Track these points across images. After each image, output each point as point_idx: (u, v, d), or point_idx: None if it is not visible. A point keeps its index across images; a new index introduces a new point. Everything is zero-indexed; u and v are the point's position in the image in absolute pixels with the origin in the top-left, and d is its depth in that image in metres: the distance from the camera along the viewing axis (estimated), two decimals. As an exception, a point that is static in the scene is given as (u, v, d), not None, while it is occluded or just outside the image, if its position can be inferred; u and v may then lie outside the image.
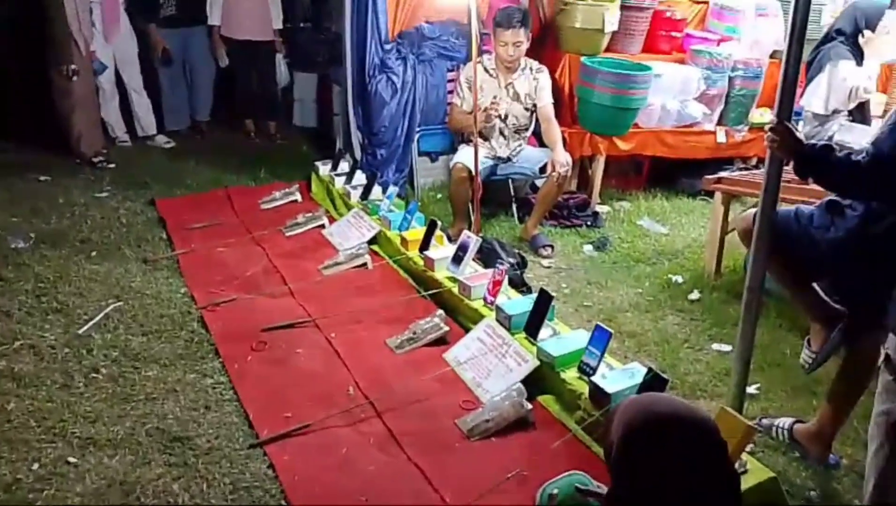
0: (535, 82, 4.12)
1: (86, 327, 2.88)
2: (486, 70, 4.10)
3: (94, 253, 3.59)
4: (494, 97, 4.09)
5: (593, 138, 4.59)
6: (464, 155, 4.01)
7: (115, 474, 2.10)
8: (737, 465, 1.84)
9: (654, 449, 1.22)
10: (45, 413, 2.36)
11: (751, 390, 2.57)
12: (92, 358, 2.69)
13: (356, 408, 2.44)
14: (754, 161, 5.04)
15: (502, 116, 4.13)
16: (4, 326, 2.86)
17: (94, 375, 2.59)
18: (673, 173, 5.08)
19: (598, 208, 4.61)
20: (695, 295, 3.47)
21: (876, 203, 2.01)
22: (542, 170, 4.13)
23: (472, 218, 3.99)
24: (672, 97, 4.72)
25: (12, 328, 2.84)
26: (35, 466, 2.12)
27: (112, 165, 4.92)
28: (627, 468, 1.25)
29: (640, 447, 1.23)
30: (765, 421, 2.44)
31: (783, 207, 2.30)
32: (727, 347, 2.93)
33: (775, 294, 3.05)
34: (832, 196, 2.20)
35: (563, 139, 4.13)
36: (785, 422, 2.41)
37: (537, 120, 4.21)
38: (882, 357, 1.53)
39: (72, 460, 2.15)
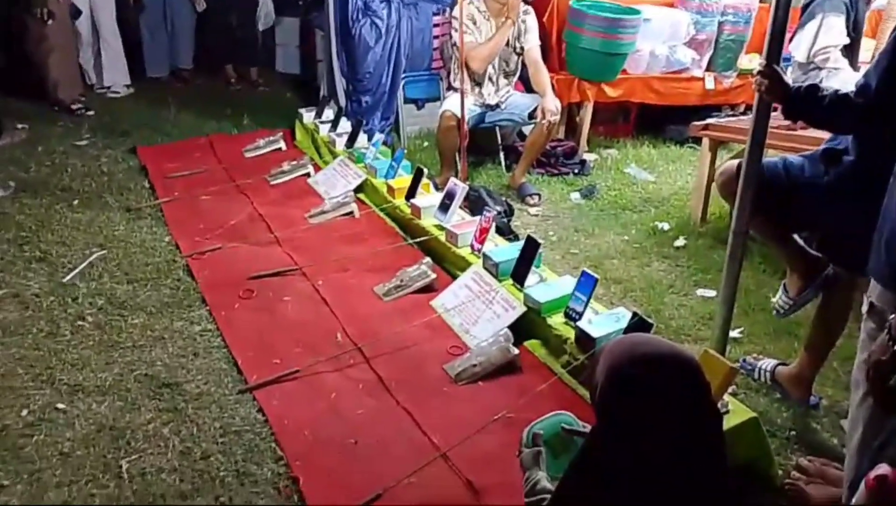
0: (523, 24, 4.03)
1: (70, 276, 2.86)
2: (478, 11, 4.00)
3: (75, 201, 3.54)
4: (489, 39, 4.01)
5: (581, 84, 4.53)
6: (452, 102, 3.95)
7: (104, 420, 2.11)
8: (719, 405, 1.87)
9: (637, 388, 1.23)
10: (32, 361, 2.36)
11: (734, 333, 2.60)
12: (77, 306, 2.67)
13: (344, 354, 2.46)
14: (742, 108, 5.02)
15: (493, 65, 4.06)
16: (-13, 275, 2.83)
17: (81, 323, 2.58)
18: (661, 121, 5.05)
19: (586, 156, 4.58)
20: (680, 242, 3.49)
21: (867, 146, 1.99)
22: (531, 116, 4.08)
23: (460, 166, 3.96)
24: (661, 42, 4.66)
25: (-5, 277, 2.82)
26: (24, 412, 2.12)
27: (91, 113, 4.82)
28: (611, 407, 1.27)
29: (624, 386, 1.24)
30: (747, 363, 2.49)
31: (769, 158, 2.29)
32: (712, 293, 2.96)
33: (760, 239, 3.07)
34: (827, 145, 2.18)
35: (552, 85, 4.07)
36: (767, 364, 2.45)
37: (524, 64, 4.14)
38: (865, 305, 1.54)
39: (60, 406, 2.16)
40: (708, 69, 4.89)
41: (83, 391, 2.23)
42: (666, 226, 3.68)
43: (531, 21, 4.06)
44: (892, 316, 1.27)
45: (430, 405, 2.22)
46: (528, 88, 4.24)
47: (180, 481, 1.92)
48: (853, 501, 1.14)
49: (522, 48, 4.07)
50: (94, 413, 2.14)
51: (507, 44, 4.04)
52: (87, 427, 2.09)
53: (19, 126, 4.43)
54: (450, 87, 4.21)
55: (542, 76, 4.02)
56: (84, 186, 3.73)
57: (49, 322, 2.57)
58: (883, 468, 1.13)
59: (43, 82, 4.79)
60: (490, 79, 4.13)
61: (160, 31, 5.60)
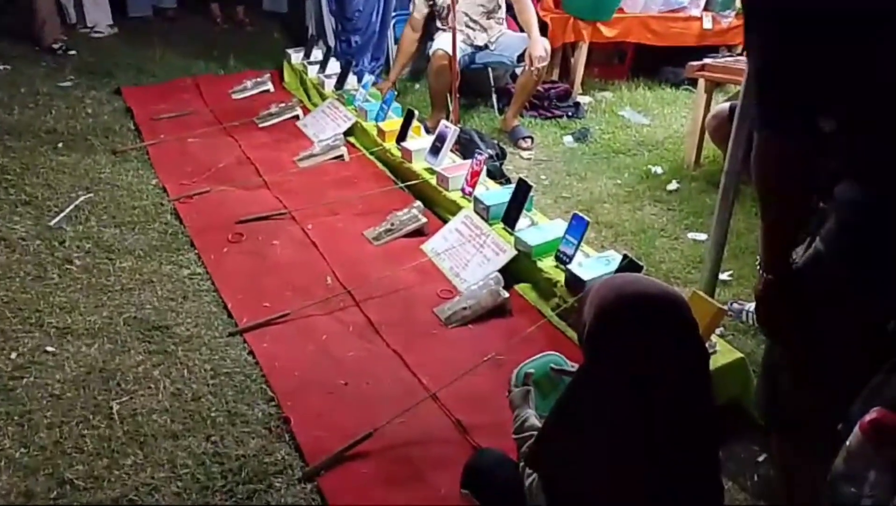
0: None
1: (57, 219, 2.82)
2: None
3: (60, 144, 3.48)
4: None
5: (576, 24, 4.43)
6: (443, 41, 3.85)
7: (94, 362, 2.11)
8: (706, 346, 1.88)
9: (625, 325, 1.23)
10: (20, 304, 2.34)
11: (723, 276, 2.60)
12: (65, 250, 2.65)
13: (334, 298, 2.45)
14: (740, 49, 4.91)
15: (466, 13, 3.92)
16: (-28, 219, 2.79)
17: (68, 266, 2.56)
18: (657, 62, 4.96)
19: (580, 99, 4.51)
20: (673, 186, 3.47)
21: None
22: (521, 58, 3.98)
23: (451, 108, 3.89)
24: (659, -20, 4.54)
25: (-20, 221, 2.78)
26: (13, 355, 2.12)
27: (73, 53, 4.69)
28: (599, 345, 1.26)
29: (612, 324, 1.24)
30: (735, 305, 2.50)
31: None
32: (702, 236, 2.95)
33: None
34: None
35: (543, 23, 3.95)
36: (754, 306, 2.46)
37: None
38: None
39: (49, 348, 2.16)
40: (706, 9, 4.78)
41: (72, 334, 2.23)
42: (659, 170, 3.64)
43: None
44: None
45: (419, 348, 2.23)
46: (521, 26, 4.13)
47: (171, 422, 1.93)
48: (847, 443, 1.15)
49: None
50: (83, 355, 2.14)
51: None
52: (77, 369, 2.09)
53: (1, 67, 4.32)
54: (438, 28, 4.08)
55: (526, 14, 3.87)
56: (69, 129, 3.66)
57: (36, 266, 2.55)
58: (876, 412, 1.14)
59: (31, 21, 4.64)
60: (470, 23, 3.99)
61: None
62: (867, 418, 1.14)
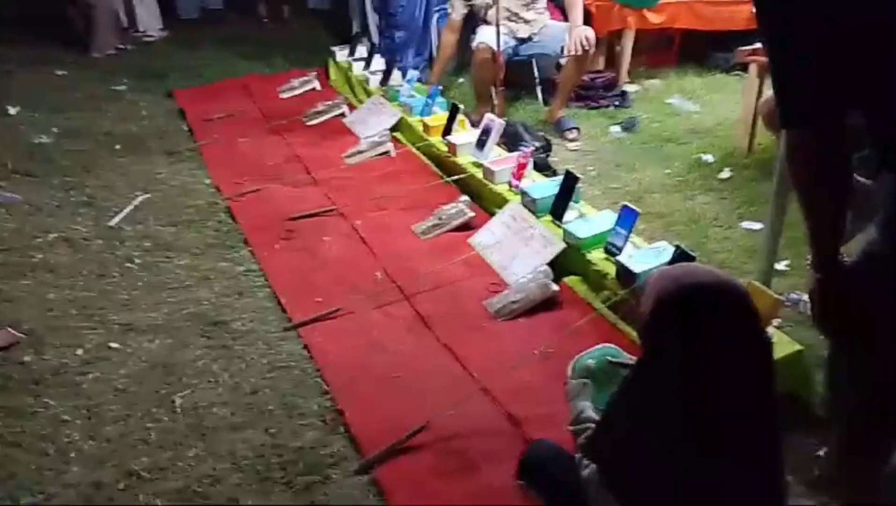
0: None
1: (117, 219, 2.92)
2: None
3: (117, 146, 3.60)
4: None
5: (622, 11, 4.36)
6: (486, 34, 3.83)
7: (155, 357, 2.19)
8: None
9: (685, 316, 1.21)
10: (85, 302, 2.44)
11: (780, 266, 2.54)
12: (125, 249, 2.74)
13: (384, 292, 2.48)
14: (792, 32, 4.77)
15: (508, 8, 3.90)
16: (37, 220, 2.91)
17: (129, 265, 2.65)
18: (706, 48, 4.85)
19: (627, 87, 4.45)
20: (725, 174, 3.39)
21: None
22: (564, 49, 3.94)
23: (496, 101, 3.88)
24: (707, -37, 4.44)
25: (45, 222, 2.89)
26: (79, 351, 2.21)
27: (126, 55, 4.84)
28: (659, 337, 1.26)
29: (672, 315, 1.22)
30: (793, 296, 2.43)
31: None
32: (757, 225, 2.88)
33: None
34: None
35: (588, 12, 3.90)
36: (809, 306, 2.39)
37: None
38: None
39: (113, 345, 2.24)
40: (756, -9, 4.65)
41: (134, 330, 2.31)
42: (710, 158, 3.57)
43: None
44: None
45: (469, 341, 2.24)
46: (566, 16, 4.09)
47: (231, 414, 1.98)
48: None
49: None
50: (145, 351, 2.22)
51: None
52: (140, 364, 2.17)
53: (59, 73, 4.49)
54: (480, 21, 4.06)
55: (571, 3, 3.83)
56: (125, 131, 3.78)
57: (98, 264, 2.65)
58: None
59: (87, 29, 4.81)
60: (512, 16, 3.95)
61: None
62: None
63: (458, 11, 3.92)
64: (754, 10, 1.19)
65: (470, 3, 3.86)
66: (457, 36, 4.01)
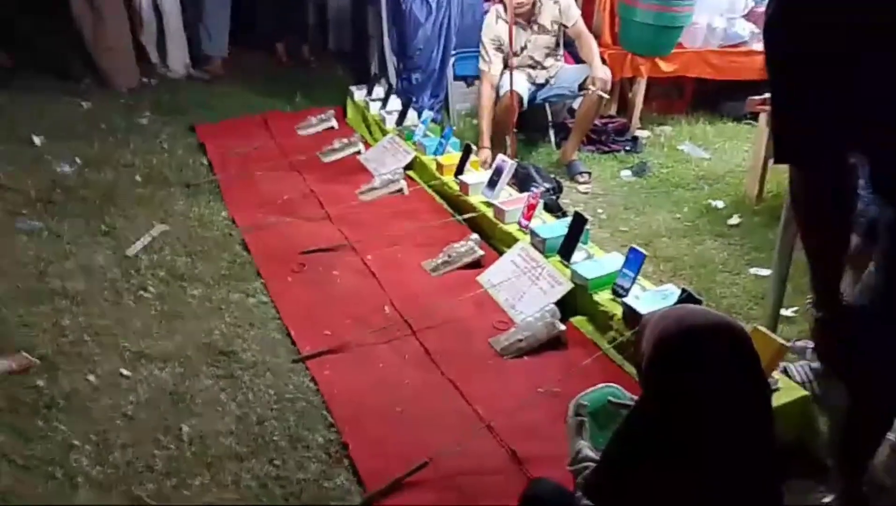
0: (557, 5, 3.92)
1: (134, 249, 2.98)
2: (506, 23, 3.85)
3: (137, 177, 3.68)
4: (524, 46, 3.96)
5: (634, 59, 4.45)
6: (516, 83, 3.87)
7: (165, 386, 2.22)
8: (767, 379, 1.85)
9: (685, 357, 1.23)
10: (98, 329, 2.48)
11: (787, 312, 2.55)
12: (140, 277, 2.79)
13: (392, 327, 2.51)
14: (803, 83, 4.84)
15: (532, 56, 4.01)
16: (56, 247, 2.98)
17: (143, 293, 2.70)
18: (717, 97, 4.91)
19: (638, 133, 4.51)
20: (735, 220, 3.42)
21: None
22: (581, 87, 4.01)
23: (509, 143, 3.95)
24: (718, 15, 4.54)
25: (64, 249, 2.96)
26: (91, 377, 2.24)
27: (150, 89, 4.97)
28: (658, 377, 1.27)
29: (672, 356, 1.24)
30: (799, 343, 2.44)
31: None
32: (765, 271, 2.90)
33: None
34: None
35: (602, 59, 4.00)
36: (813, 344, 2.39)
37: (566, 35, 4.07)
38: None
39: (124, 372, 2.27)
40: (767, 42, 4.73)
41: (146, 358, 2.34)
42: (720, 204, 3.60)
43: None
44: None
45: (475, 378, 2.26)
46: (578, 59, 4.18)
47: (237, 444, 2.00)
48: None
49: (565, 26, 3.99)
50: (155, 379, 2.25)
51: (545, 30, 3.97)
52: (150, 392, 2.19)
53: (83, 104, 4.62)
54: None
55: (588, 46, 3.93)
56: (145, 163, 3.87)
57: (113, 292, 2.70)
58: None
59: (96, 70, 4.96)
60: (534, 63, 4.06)
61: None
62: None
63: (496, 66, 3.95)
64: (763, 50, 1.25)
65: (503, 53, 3.92)
66: (495, 93, 4.00)
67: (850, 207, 1.24)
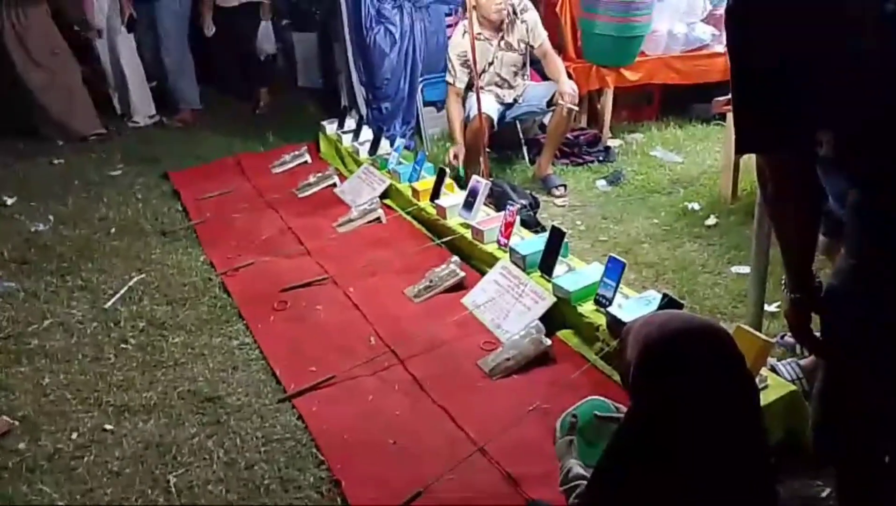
0: (524, 25, 3.98)
1: (111, 301, 2.94)
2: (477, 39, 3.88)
3: (113, 229, 3.65)
4: (491, 62, 4.01)
5: (600, 71, 4.50)
6: (484, 104, 3.91)
7: (150, 437, 2.17)
8: (756, 380, 1.84)
9: (671, 364, 1.22)
10: (79, 385, 2.44)
11: (771, 308, 2.55)
12: (120, 330, 2.76)
13: (378, 357, 2.48)
14: (768, 80, 4.90)
15: (499, 73, 4.05)
16: (33, 306, 2.93)
17: (124, 345, 2.66)
18: (685, 100, 4.97)
19: (610, 143, 4.54)
20: (711, 220, 3.44)
21: None
22: (549, 104, 4.05)
23: (482, 163, 3.96)
24: (678, 20, 4.60)
25: (40, 308, 2.92)
26: (74, 435, 2.20)
27: (120, 140, 4.96)
28: (646, 387, 1.26)
29: (657, 364, 1.23)
30: (787, 338, 2.43)
31: None
32: (746, 269, 2.89)
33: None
34: None
35: (568, 73, 4.04)
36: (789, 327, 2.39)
37: (532, 55, 4.12)
38: None
39: (108, 427, 2.23)
40: (729, 44, 4.79)
41: (129, 411, 2.30)
42: (696, 206, 3.62)
43: (532, 17, 4.01)
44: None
45: (465, 401, 2.23)
46: (544, 76, 4.22)
47: (227, 492, 1.96)
48: None
49: (531, 46, 4.04)
50: (140, 431, 2.21)
51: (512, 48, 4.02)
52: (135, 445, 2.15)
53: (55, 161, 4.60)
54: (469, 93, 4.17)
55: (554, 64, 4.00)
56: (120, 214, 3.85)
57: (94, 347, 2.66)
58: None
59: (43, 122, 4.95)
60: (500, 82, 4.09)
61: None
62: None
63: (460, 80, 4.00)
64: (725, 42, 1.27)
65: (469, 69, 3.95)
66: (461, 103, 4.07)
67: (816, 187, 1.24)
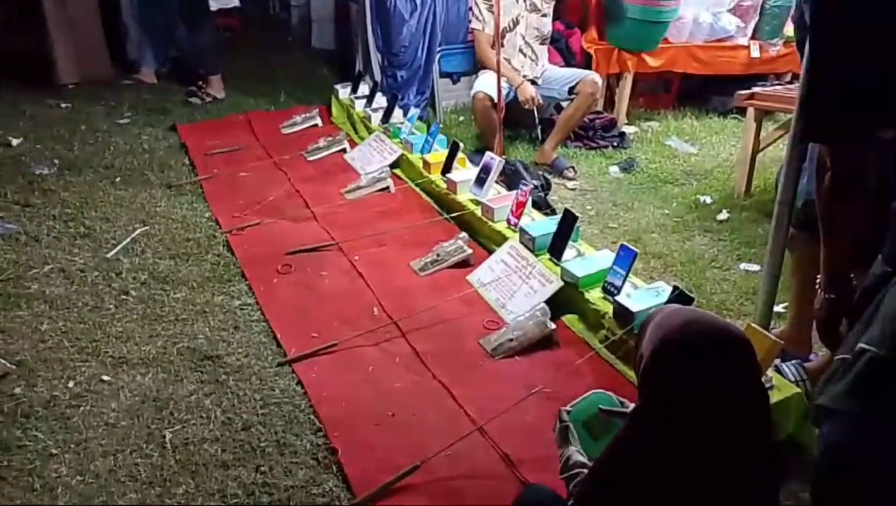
0: None
1: (114, 251, 2.91)
2: None
3: (118, 179, 3.61)
4: (516, 17, 3.93)
5: (621, 55, 4.43)
6: (484, 82, 3.88)
7: (147, 391, 2.16)
8: (762, 380, 1.83)
9: (687, 365, 1.20)
10: (78, 334, 2.41)
11: (779, 308, 2.53)
12: (121, 281, 2.73)
13: (381, 328, 2.47)
14: (789, 77, 4.85)
15: (524, 36, 3.99)
16: (34, 250, 2.90)
17: (124, 297, 2.63)
18: (704, 91, 4.93)
19: (625, 129, 4.49)
20: (723, 215, 3.41)
21: None
22: (571, 91, 3.99)
23: (496, 141, 3.91)
24: (705, 9, 4.53)
25: (42, 253, 2.88)
26: (70, 383, 2.18)
27: (131, 89, 4.88)
28: (659, 384, 1.23)
29: (674, 364, 1.20)
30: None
31: None
32: (755, 267, 2.88)
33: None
34: None
35: (589, 56, 3.98)
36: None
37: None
38: None
39: (105, 378, 2.21)
40: (753, 37, 4.73)
41: (127, 364, 2.28)
42: (708, 199, 3.59)
43: None
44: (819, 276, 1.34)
45: (466, 379, 2.22)
46: (566, 61, 4.16)
47: (222, 451, 1.95)
48: None
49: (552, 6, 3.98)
50: (138, 385, 2.19)
51: (537, 9, 3.95)
52: (132, 398, 2.13)
53: (63, 105, 4.53)
54: (483, 66, 4.11)
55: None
56: (126, 164, 3.79)
57: (94, 296, 2.63)
58: None
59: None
60: (522, 51, 4.03)
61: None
62: None
63: (489, 25, 3.92)
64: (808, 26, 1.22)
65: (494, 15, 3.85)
66: (489, 45, 3.96)
67: (886, 184, 1.21)
